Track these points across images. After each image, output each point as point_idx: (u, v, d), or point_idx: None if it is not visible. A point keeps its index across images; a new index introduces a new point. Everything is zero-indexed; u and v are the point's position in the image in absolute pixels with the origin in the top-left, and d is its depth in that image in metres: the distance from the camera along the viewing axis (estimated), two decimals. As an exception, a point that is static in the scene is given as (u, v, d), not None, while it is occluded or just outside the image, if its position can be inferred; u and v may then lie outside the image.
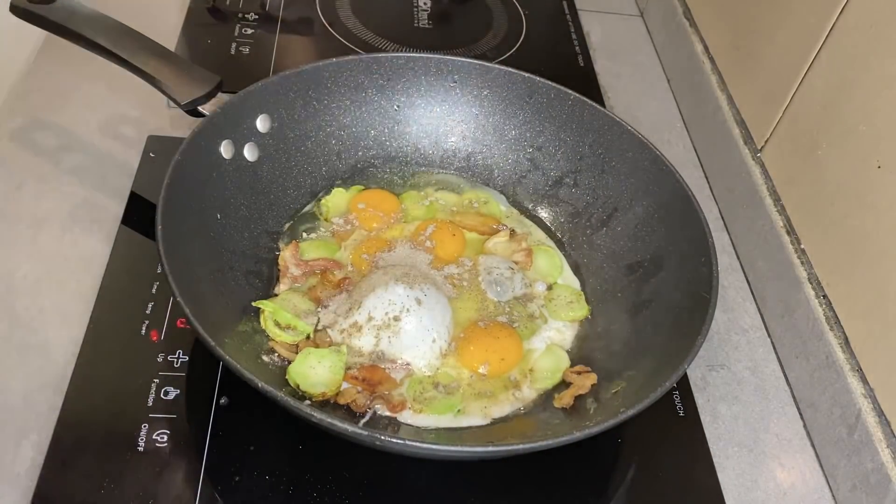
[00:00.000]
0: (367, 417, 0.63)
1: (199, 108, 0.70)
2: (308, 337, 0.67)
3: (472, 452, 0.60)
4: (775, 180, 0.82)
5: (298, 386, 0.62)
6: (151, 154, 0.82)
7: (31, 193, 0.78)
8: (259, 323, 0.66)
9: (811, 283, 0.74)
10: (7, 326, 0.67)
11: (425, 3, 1.13)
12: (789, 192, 0.80)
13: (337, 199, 0.79)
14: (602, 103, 0.99)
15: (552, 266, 0.77)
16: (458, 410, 0.65)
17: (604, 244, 0.78)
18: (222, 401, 0.64)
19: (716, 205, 0.93)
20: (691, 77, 1.02)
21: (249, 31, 1.02)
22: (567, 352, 0.71)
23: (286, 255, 0.72)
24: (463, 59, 0.81)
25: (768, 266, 0.81)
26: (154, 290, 0.70)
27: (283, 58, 0.99)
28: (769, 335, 0.80)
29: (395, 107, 0.82)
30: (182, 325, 0.68)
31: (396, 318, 0.66)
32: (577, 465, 0.65)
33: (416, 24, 1.10)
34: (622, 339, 0.70)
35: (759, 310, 0.82)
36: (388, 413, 0.63)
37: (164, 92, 0.71)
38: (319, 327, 0.68)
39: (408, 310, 0.66)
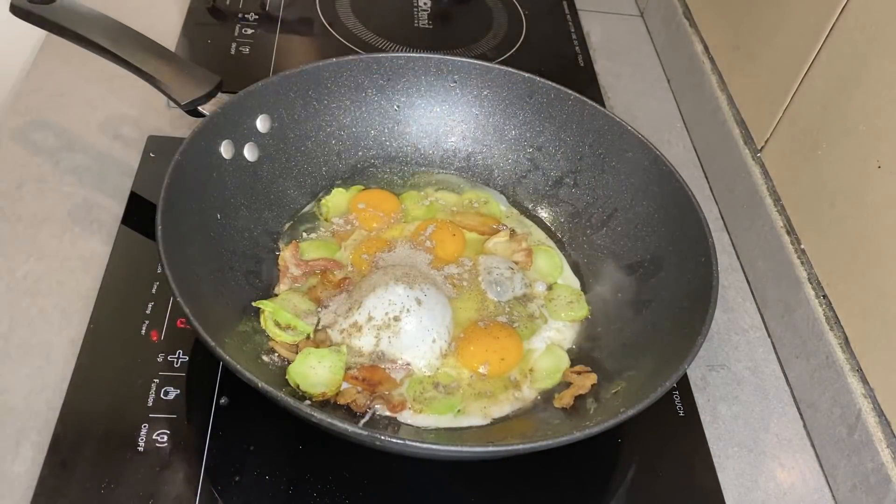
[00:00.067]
0: (367, 417, 0.63)
1: (199, 108, 0.70)
2: (308, 337, 0.67)
3: (472, 452, 0.60)
4: (775, 180, 0.82)
5: (298, 386, 0.62)
6: (151, 154, 0.82)
7: (31, 193, 0.78)
8: (259, 323, 0.66)
9: (811, 283, 0.74)
10: (7, 326, 0.67)
11: (425, 3, 1.13)
12: (789, 192, 0.80)
13: (337, 199, 0.79)
14: (602, 103, 0.99)
15: (552, 266, 0.77)
16: (458, 410, 0.65)
17: (604, 244, 0.78)
18: (222, 401, 0.64)
19: (716, 205, 0.93)
20: (691, 77, 1.02)
21: (249, 31, 1.02)
22: (567, 352, 0.71)
23: (286, 255, 0.72)
24: (463, 59, 0.81)
25: (768, 266, 0.81)
26: (154, 290, 0.70)
27: (283, 58, 0.99)
28: (769, 335, 0.80)
29: (395, 107, 0.82)
30: (182, 325, 0.68)
31: (396, 318, 0.66)
32: (577, 465, 0.65)
33: (416, 24, 1.10)
34: (622, 339, 0.70)
35: (759, 310, 0.82)
36: (388, 413, 0.63)
37: (164, 92, 0.71)
38: (319, 327, 0.68)
39: (408, 310, 0.66)
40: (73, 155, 0.82)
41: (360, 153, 0.82)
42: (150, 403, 0.63)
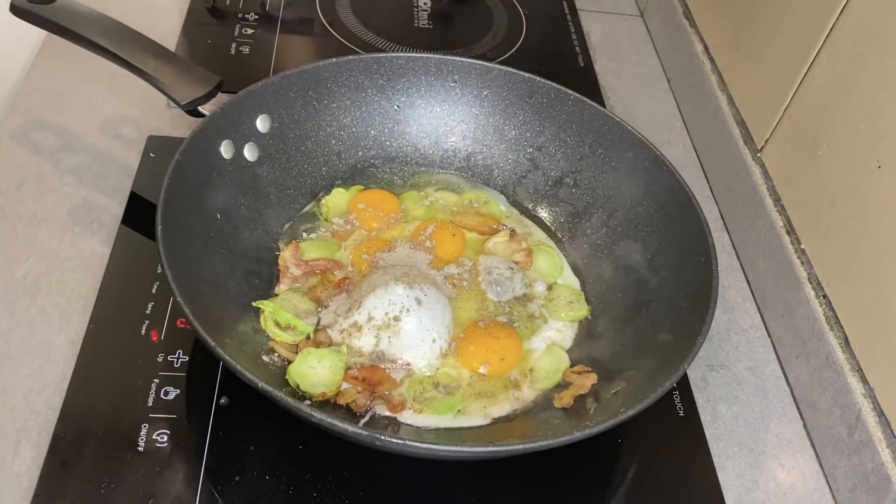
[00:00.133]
0: (367, 417, 0.63)
1: (199, 108, 0.70)
2: (308, 337, 0.67)
3: (472, 452, 0.60)
4: (775, 180, 0.82)
5: (298, 386, 0.62)
6: (151, 154, 0.82)
7: (31, 193, 0.78)
8: (259, 323, 0.66)
9: (811, 283, 0.74)
10: (7, 326, 0.67)
11: (425, 3, 1.13)
12: (789, 192, 0.80)
13: (337, 199, 0.79)
14: (602, 103, 0.99)
15: (552, 266, 0.77)
16: (458, 410, 0.65)
17: (604, 244, 0.78)
18: (222, 401, 0.64)
19: (716, 205, 0.93)
20: (691, 77, 1.02)
21: (249, 31, 1.02)
22: (567, 352, 0.71)
23: (286, 255, 0.72)
24: (463, 59, 0.81)
25: (768, 266, 0.81)
26: (154, 290, 0.70)
27: (283, 58, 0.99)
28: (769, 335, 0.80)
29: (395, 107, 0.82)
30: (182, 325, 0.68)
31: (396, 318, 0.66)
32: (577, 465, 0.65)
33: (416, 24, 1.10)
34: (622, 339, 0.70)
35: (759, 310, 0.82)
36: (388, 413, 0.63)
37: (164, 92, 0.71)
38: (319, 327, 0.68)
39: (408, 310, 0.66)
40: (73, 155, 0.82)
41: (360, 153, 0.82)
42: (150, 403, 0.63)
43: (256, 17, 1.04)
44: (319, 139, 0.80)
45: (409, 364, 0.66)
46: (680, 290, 0.68)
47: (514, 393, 0.67)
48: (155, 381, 0.64)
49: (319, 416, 0.52)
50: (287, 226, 0.77)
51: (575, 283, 0.77)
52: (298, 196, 0.78)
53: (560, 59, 1.08)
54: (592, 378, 0.66)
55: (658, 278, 0.71)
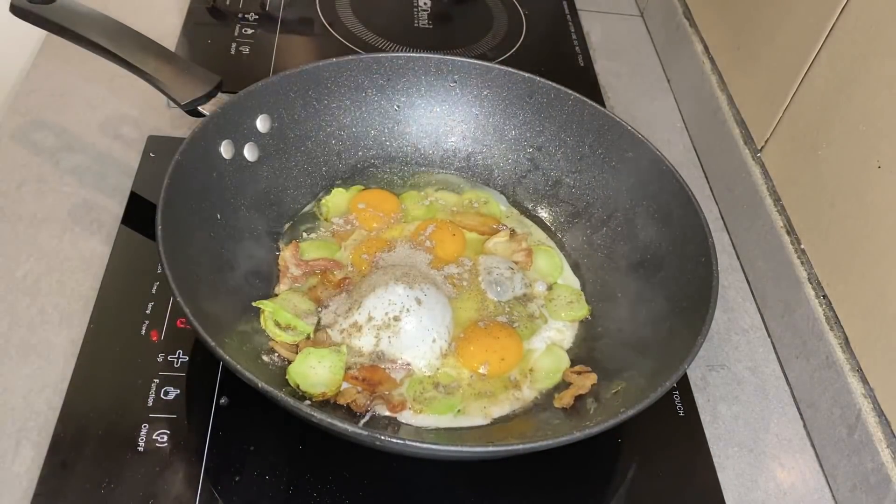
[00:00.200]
0: (367, 417, 0.63)
1: (199, 108, 0.70)
2: (308, 337, 0.67)
3: (472, 452, 0.60)
4: (775, 180, 0.82)
5: (298, 386, 0.62)
6: (151, 154, 0.82)
7: (31, 193, 0.78)
8: (259, 323, 0.66)
9: (811, 283, 0.74)
10: (7, 326, 0.67)
11: (425, 3, 1.13)
12: (789, 192, 0.80)
13: (337, 199, 0.79)
14: (602, 103, 0.99)
15: (552, 266, 0.77)
16: (458, 410, 0.65)
17: (604, 244, 0.78)
18: (222, 401, 0.64)
19: (716, 205, 0.93)
20: (691, 77, 1.02)
21: (249, 31, 1.02)
22: (567, 352, 0.71)
23: (286, 255, 0.72)
24: (463, 59, 0.81)
25: (768, 266, 0.81)
26: (154, 290, 0.70)
27: (283, 58, 0.99)
28: (769, 335, 0.80)
29: (395, 107, 0.82)
30: (182, 325, 0.68)
31: (396, 318, 0.66)
32: (577, 465, 0.65)
33: (416, 24, 1.10)
34: (622, 339, 0.70)
35: (759, 310, 0.82)
36: (388, 413, 0.63)
37: (164, 92, 0.71)
38: (319, 327, 0.68)
39: (408, 310, 0.66)
40: (73, 155, 0.82)
41: (360, 153, 0.82)
42: (150, 403, 0.63)
43: (256, 17, 1.04)
44: (319, 139, 0.80)
45: (409, 364, 0.66)
46: (680, 290, 0.68)
47: (514, 393, 0.67)
48: (155, 381, 0.64)
49: (319, 416, 0.52)
50: (287, 226, 0.77)
51: (575, 283, 0.77)
52: (298, 196, 0.78)
53: (560, 59, 1.08)
54: (592, 378, 0.66)
55: (658, 278, 0.71)
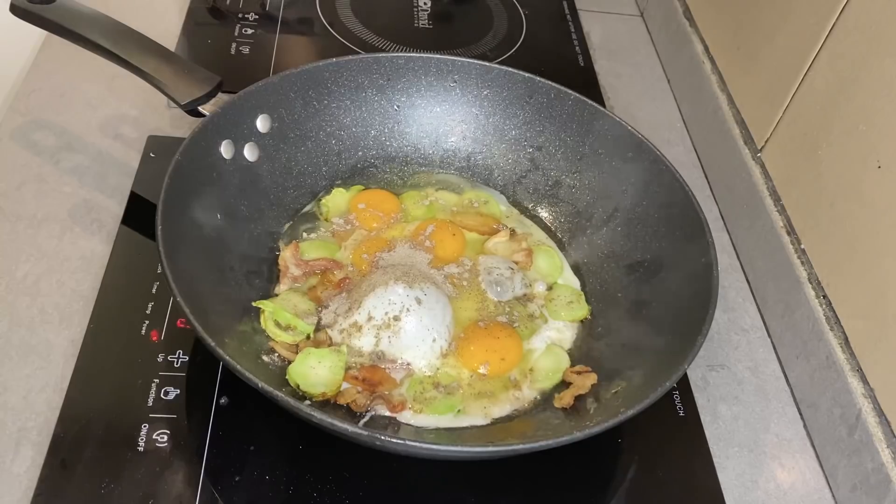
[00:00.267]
0: (367, 417, 0.63)
1: (199, 108, 0.70)
2: (308, 337, 0.67)
3: (472, 452, 0.60)
4: (775, 180, 0.82)
5: (298, 386, 0.62)
6: (151, 154, 0.82)
7: (31, 193, 0.78)
8: (259, 323, 0.66)
9: (811, 283, 0.74)
10: (7, 326, 0.67)
11: (425, 3, 1.13)
12: (789, 192, 0.80)
13: (337, 199, 0.79)
14: (602, 103, 0.98)
15: (552, 266, 0.77)
16: (459, 410, 0.65)
17: (604, 244, 0.78)
18: (222, 401, 0.64)
19: (716, 205, 0.93)
20: (691, 77, 1.02)
21: (249, 31, 1.02)
22: (567, 352, 0.71)
23: (286, 255, 0.72)
24: (463, 59, 0.81)
25: (768, 266, 0.81)
26: (154, 290, 0.70)
27: (283, 58, 0.99)
28: (769, 335, 0.80)
29: (395, 107, 0.82)
30: (182, 325, 0.68)
31: (396, 318, 0.66)
32: (577, 465, 0.65)
33: (416, 24, 1.10)
34: (622, 339, 0.70)
35: (759, 310, 0.82)
36: (388, 413, 0.63)
37: (164, 92, 0.71)
38: (319, 327, 0.68)
39: (408, 309, 0.66)
40: (73, 155, 0.82)
41: (360, 153, 0.82)
42: (150, 403, 0.63)
43: (256, 17, 1.04)
44: (319, 139, 0.80)
45: (409, 364, 0.66)
46: (680, 290, 0.68)
47: (514, 393, 0.67)
48: (155, 381, 0.64)
49: (319, 416, 0.52)
50: (287, 226, 0.77)
51: (575, 283, 0.77)
52: (298, 196, 0.78)
53: (560, 59, 1.08)
54: (592, 378, 0.66)
55: (658, 278, 0.71)
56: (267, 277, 0.71)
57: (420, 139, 0.84)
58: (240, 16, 1.04)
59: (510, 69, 0.80)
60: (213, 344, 0.53)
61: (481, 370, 0.67)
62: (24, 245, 0.73)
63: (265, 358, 0.64)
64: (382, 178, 0.83)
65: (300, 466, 0.61)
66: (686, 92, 1.04)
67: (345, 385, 0.64)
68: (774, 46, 0.85)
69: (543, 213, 0.82)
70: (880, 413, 0.64)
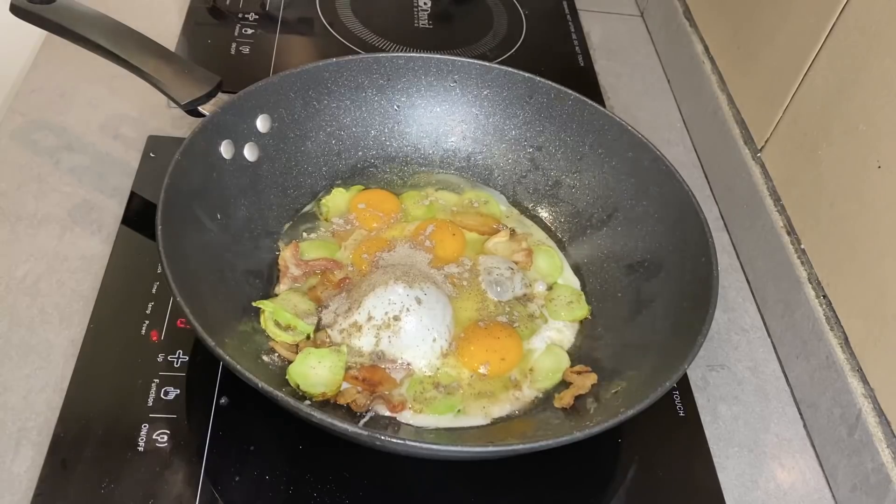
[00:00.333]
0: (367, 417, 0.63)
1: (199, 108, 0.70)
2: (308, 337, 0.67)
3: (472, 452, 0.60)
4: (775, 180, 0.82)
5: (298, 386, 0.62)
6: (151, 154, 0.82)
7: (31, 193, 0.78)
8: (259, 323, 0.66)
9: (811, 283, 0.74)
10: (7, 326, 0.67)
11: (425, 3, 1.13)
12: (789, 192, 0.80)
13: (337, 199, 0.79)
14: (602, 103, 0.98)
15: (552, 266, 0.77)
16: (459, 410, 0.65)
17: (604, 244, 0.78)
18: (222, 401, 0.64)
19: (716, 205, 0.93)
20: (691, 77, 1.02)
21: (249, 31, 1.02)
22: (567, 352, 0.71)
23: (286, 255, 0.72)
24: (463, 59, 0.81)
25: (768, 266, 0.81)
26: (154, 290, 0.70)
27: (283, 58, 0.99)
28: (769, 335, 0.80)
29: (395, 107, 0.82)
30: (182, 325, 0.68)
31: (396, 318, 0.66)
32: (577, 465, 0.65)
33: (416, 24, 1.10)
34: (622, 339, 0.70)
35: (759, 310, 0.82)
36: (388, 413, 0.63)
37: (164, 92, 0.71)
38: (319, 327, 0.68)
39: (408, 309, 0.66)
40: (73, 155, 0.82)
41: (360, 153, 0.82)
42: (150, 403, 0.63)
43: (256, 17, 1.04)
44: (319, 139, 0.80)
45: (409, 364, 0.66)
46: (680, 290, 0.68)
47: (514, 393, 0.67)
48: (155, 381, 0.64)
49: (319, 416, 0.52)
50: (287, 226, 0.77)
51: (575, 283, 0.77)
52: (298, 196, 0.78)
53: (560, 59, 1.08)
54: (592, 378, 0.66)
55: (658, 278, 0.71)
56: (267, 277, 0.71)
57: (420, 139, 0.84)
58: (240, 16, 1.04)
59: (510, 69, 0.80)
60: (213, 344, 0.53)
61: (481, 370, 0.67)
62: (24, 245, 0.73)
63: (265, 358, 0.64)
64: (382, 178, 0.83)
65: (300, 466, 0.61)
66: (686, 92, 1.04)
67: (345, 385, 0.64)
68: (774, 46, 0.85)
69: (543, 213, 0.82)
70: (880, 413, 0.64)
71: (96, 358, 0.65)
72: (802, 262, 0.76)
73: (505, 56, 1.06)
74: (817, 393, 0.71)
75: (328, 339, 0.67)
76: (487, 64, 0.81)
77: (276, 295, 0.70)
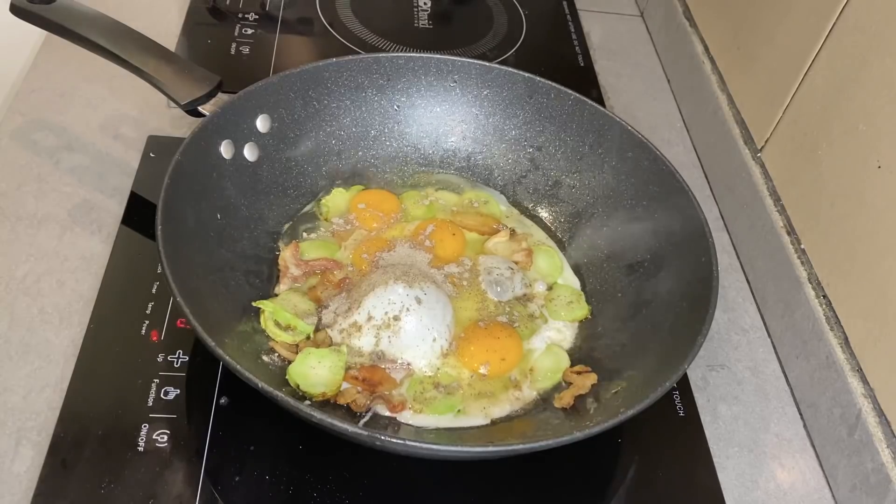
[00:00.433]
0: (367, 417, 0.63)
1: (199, 108, 0.70)
2: (308, 337, 0.67)
3: (472, 452, 0.60)
4: (775, 180, 0.82)
5: (298, 386, 0.62)
6: (151, 154, 0.82)
7: (31, 193, 0.78)
8: (259, 323, 0.66)
9: (811, 283, 0.74)
10: (7, 326, 0.67)
11: (425, 3, 1.13)
12: (789, 192, 0.80)
13: (337, 199, 0.79)
14: (602, 103, 0.99)
15: (552, 266, 0.77)
16: (459, 410, 0.65)
17: (604, 244, 0.78)
18: (222, 401, 0.64)
19: (716, 205, 0.93)
20: (691, 77, 1.02)
21: (249, 31, 1.02)
22: (567, 352, 0.71)
23: (286, 255, 0.72)
24: (463, 59, 0.81)
25: (768, 266, 0.81)
26: (154, 290, 0.70)
27: (283, 58, 0.99)
28: (769, 335, 0.80)
29: (395, 107, 0.82)
30: (182, 325, 0.68)
31: (396, 318, 0.66)
32: (577, 465, 0.65)
33: (416, 24, 1.10)
34: (622, 339, 0.70)
35: (759, 310, 0.82)
36: (388, 413, 0.63)
37: (164, 92, 0.71)
38: (319, 327, 0.68)
39: (407, 309, 0.66)
40: (73, 155, 0.82)
41: (360, 153, 0.82)
42: (150, 403, 0.63)
43: (256, 17, 1.04)
44: (319, 139, 0.80)
45: (409, 364, 0.66)
46: (680, 290, 0.68)
47: (514, 393, 0.67)
48: (155, 381, 0.64)
49: (319, 416, 0.52)
50: (287, 226, 0.77)
51: (575, 283, 0.77)
52: (298, 196, 0.78)
53: (560, 59, 1.08)
54: (592, 378, 0.66)
55: (658, 278, 0.71)
56: (267, 277, 0.71)
57: (420, 139, 0.84)
58: (240, 16, 1.04)
59: (510, 69, 0.80)
60: (213, 344, 0.53)
61: (481, 370, 0.67)
62: (24, 245, 0.73)
63: (265, 358, 0.64)
64: (382, 178, 0.83)
65: (300, 466, 0.61)
66: (686, 92, 1.04)
67: (345, 385, 0.64)
68: (774, 46, 0.85)
69: (543, 213, 0.82)
70: (880, 413, 0.64)
71: (96, 358, 0.65)
72: (802, 262, 0.76)
73: (505, 56, 1.06)
74: (817, 393, 0.71)
75: (328, 339, 0.67)
76: (487, 64, 0.81)
77: (276, 295, 0.70)
